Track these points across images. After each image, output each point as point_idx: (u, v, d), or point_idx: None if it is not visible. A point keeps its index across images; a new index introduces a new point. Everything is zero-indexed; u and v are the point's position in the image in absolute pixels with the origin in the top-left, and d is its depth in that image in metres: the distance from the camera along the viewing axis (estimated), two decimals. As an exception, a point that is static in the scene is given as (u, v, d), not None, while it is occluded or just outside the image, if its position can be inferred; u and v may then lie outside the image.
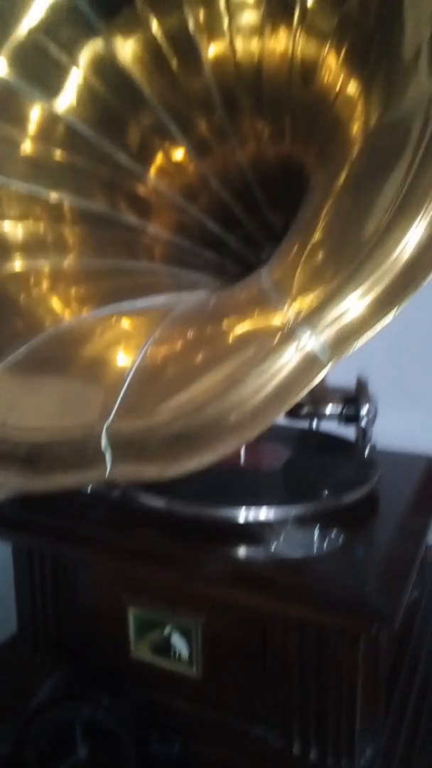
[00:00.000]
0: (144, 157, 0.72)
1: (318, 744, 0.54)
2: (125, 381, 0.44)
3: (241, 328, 0.43)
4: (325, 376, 0.77)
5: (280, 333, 0.38)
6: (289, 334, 0.38)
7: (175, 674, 0.59)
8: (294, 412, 0.74)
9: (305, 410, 0.74)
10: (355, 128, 0.45)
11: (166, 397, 0.41)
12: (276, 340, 0.38)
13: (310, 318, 0.37)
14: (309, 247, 0.42)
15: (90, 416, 0.43)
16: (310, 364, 0.37)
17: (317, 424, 0.79)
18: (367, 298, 0.37)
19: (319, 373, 0.37)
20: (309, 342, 0.37)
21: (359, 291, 0.37)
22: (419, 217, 0.35)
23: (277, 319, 0.39)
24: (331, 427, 0.76)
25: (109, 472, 0.40)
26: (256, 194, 0.75)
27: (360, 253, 0.37)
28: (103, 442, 0.41)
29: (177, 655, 0.59)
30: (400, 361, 0.91)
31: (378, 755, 0.54)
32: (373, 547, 0.60)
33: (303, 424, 0.76)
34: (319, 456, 0.76)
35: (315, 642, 0.53)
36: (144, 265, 0.72)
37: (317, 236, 0.42)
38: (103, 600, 0.63)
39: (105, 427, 0.41)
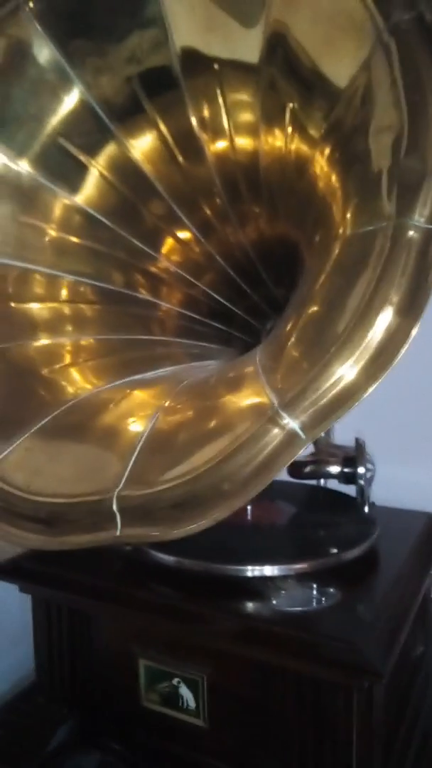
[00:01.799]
0: (155, 239, 0.79)
1: (317, 794, 0.57)
2: (135, 451, 0.50)
3: (235, 405, 0.48)
4: (332, 435, 0.82)
5: (266, 414, 0.44)
6: (273, 415, 0.43)
7: (183, 723, 0.63)
8: (298, 472, 0.79)
9: (308, 469, 0.78)
10: (338, 230, 0.51)
11: (168, 466, 0.47)
12: (262, 420, 0.44)
13: (291, 403, 0.43)
14: (292, 338, 0.48)
15: (104, 482, 0.49)
16: (292, 440, 0.42)
17: (325, 483, 0.84)
18: (342, 383, 0.43)
19: (300, 448, 0.42)
20: (290, 422, 0.42)
21: (332, 379, 0.43)
22: (378, 316, 0.42)
23: (264, 401, 0.45)
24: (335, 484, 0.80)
25: (119, 534, 0.46)
26: (259, 269, 0.82)
27: (333, 346, 0.43)
28: (114, 506, 0.46)
29: (185, 705, 0.62)
30: (404, 417, 0.95)
31: (375, 806, 0.57)
32: (370, 602, 0.64)
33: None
34: (322, 513, 0.80)
35: (312, 694, 0.56)
36: (157, 338, 0.79)
37: (300, 327, 0.48)
38: (116, 651, 0.67)
39: (116, 493, 0.47)
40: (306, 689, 0.57)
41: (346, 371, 0.43)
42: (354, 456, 0.76)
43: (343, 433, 0.79)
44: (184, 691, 0.63)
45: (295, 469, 0.78)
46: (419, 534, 0.77)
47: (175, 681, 0.63)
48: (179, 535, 0.44)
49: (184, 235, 0.80)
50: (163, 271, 0.82)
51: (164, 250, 0.81)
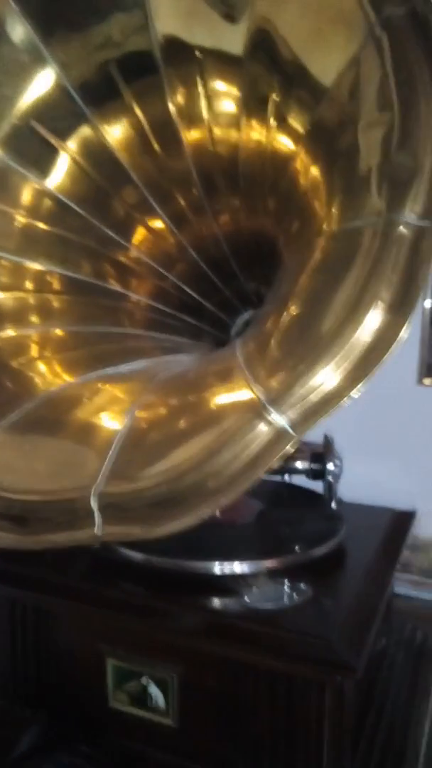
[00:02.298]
0: (126, 229, 0.77)
1: (288, 790, 0.57)
2: (113, 446, 0.48)
3: (219, 400, 0.47)
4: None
5: (253, 409, 0.43)
6: (261, 410, 0.43)
7: (152, 723, 0.61)
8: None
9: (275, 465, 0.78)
10: (322, 225, 0.51)
11: (150, 462, 0.46)
12: (249, 416, 0.43)
13: (278, 399, 0.42)
14: (275, 335, 0.47)
15: (81, 479, 0.47)
16: (280, 437, 0.42)
17: (289, 478, 0.84)
18: (331, 380, 0.43)
19: (288, 444, 0.42)
20: (278, 418, 0.42)
21: (320, 376, 0.42)
22: (368, 314, 0.41)
23: (251, 396, 0.44)
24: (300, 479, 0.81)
25: (99, 533, 0.44)
26: (232, 264, 0.81)
27: (320, 343, 0.42)
28: (93, 504, 0.45)
29: (154, 704, 0.61)
30: (370, 413, 0.97)
31: (345, 800, 0.57)
32: (340, 598, 0.64)
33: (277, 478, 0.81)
34: (290, 509, 0.80)
35: (284, 691, 0.56)
36: (127, 330, 0.77)
37: (286, 322, 0.48)
38: (82, 650, 0.65)
39: (95, 491, 0.45)
40: (278, 686, 0.57)
41: (332, 369, 0.43)
42: (322, 452, 0.76)
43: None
44: (153, 690, 0.61)
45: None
46: (385, 530, 0.78)
47: (143, 680, 0.62)
48: (162, 534, 0.43)
49: (156, 224, 0.78)
50: (133, 262, 0.80)
51: (135, 240, 0.79)
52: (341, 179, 0.51)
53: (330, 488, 0.75)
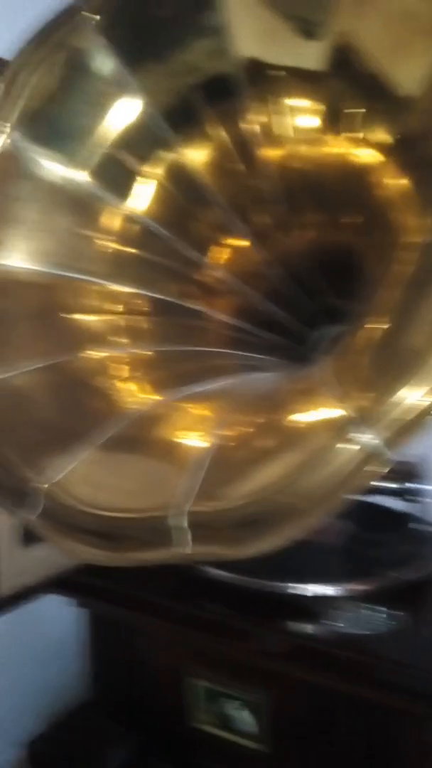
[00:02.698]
0: (210, 249, 0.78)
1: None
2: (203, 465, 0.48)
3: (307, 418, 0.47)
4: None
5: (343, 427, 0.42)
6: (351, 428, 0.41)
7: (240, 748, 0.60)
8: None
9: (365, 485, 0.76)
10: (412, 238, 0.49)
11: (236, 482, 0.45)
12: (339, 434, 0.42)
13: (370, 416, 0.41)
14: (369, 348, 0.46)
15: (169, 497, 0.47)
16: (371, 456, 0.40)
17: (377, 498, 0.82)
18: (423, 397, 0.41)
19: (381, 466, 0.40)
20: (369, 437, 0.40)
21: (413, 393, 0.41)
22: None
23: (342, 414, 0.43)
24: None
25: (188, 552, 0.44)
26: (317, 279, 0.80)
27: (411, 360, 0.41)
28: (183, 523, 0.45)
29: (243, 728, 0.60)
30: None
31: None
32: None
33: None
34: (378, 531, 0.77)
35: (381, 723, 0.54)
36: (212, 349, 0.78)
37: (375, 339, 0.46)
38: (168, 669, 0.66)
39: (186, 509, 0.45)
40: (375, 718, 0.54)
41: (425, 385, 0.41)
42: (413, 472, 0.73)
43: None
44: (242, 714, 0.61)
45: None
46: None
47: (232, 703, 0.61)
48: (251, 554, 0.43)
49: (240, 243, 0.79)
50: (217, 281, 0.81)
51: (220, 259, 0.80)
52: (429, 189, 0.49)
53: (423, 509, 0.72)
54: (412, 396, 0.41)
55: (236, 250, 0.80)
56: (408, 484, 0.73)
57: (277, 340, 0.83)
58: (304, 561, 0.69)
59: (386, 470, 0.40)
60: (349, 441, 0.41)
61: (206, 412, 0.60)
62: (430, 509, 0.72)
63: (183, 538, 0.45)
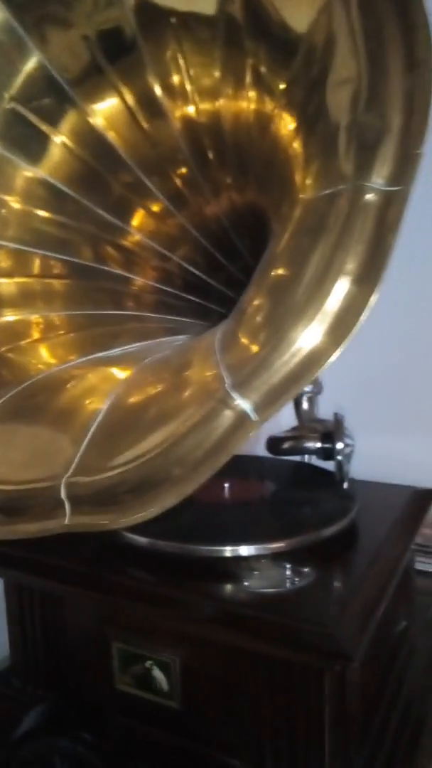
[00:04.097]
0: (125, 211, 0.76)
1: (290, 777, 0.56)
2: (87, 435, 0.48)
3: (192, 385, 0.46)
4: (317, 409, 0.80)
5: (217, 394, 0.41)
6: (224, 395, 0.41)
7: (156, 705, 0.62)
8: (276, 449, 0.77)
9: (286, 445, 0.76)
10: (299, 194, 0.48)
11: (120, 451, 0.45)
12: (213, 401, 0.41)
13: (243, 381, 0.40)
14: (250, 309, 0.45)
15: (54, 467, 0.47)
16: (243, 423, 0.40)
17: (309, 459, 0.82)
18: (296, 359, 0.40)
19: (251, 431, 0.40)
20: (241, 403, 0.40)
21: (288, 352, 0.40)
22: (334, 286, 0.39)
23: (217, 380, 0.42)
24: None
25: (67, 522, 0.44)
26: (234, 240, 0.79)
27: (289, 318, 0.40)
28: (63, 494, 0.44)
29: (158, 687, 0.61)
30: (391, 389, 0.93)
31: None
32: (347, 582, 0.62)
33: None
34: (301, 490, 0.78)
35: (283, 678, 0.55)
36: (130, 313, 0.76)
37: (258, 298, 0.45)
38: (89, 634, 0.66)
39: (65, 481, 0.45)
40: (277, 672, 0.55)
41: (302, 343, 0.41)
42: (332, 431, 0.74)
43: (331, 406, 0.77)
44: (157, 674, 0.62)
45: (274, 445, 0.76)
46: (402, 508, 0.75)
47: (147, 664, 0.62)
48: (129, 524, 0.42)
49: (155, 206, 0.77)
50: (135, 245, 0.79)
51: (136, 222, 0.78)
52: (318, 144, 0.47)
53: (340, 468, 0.72)
54: (288, 353, 0.40)
55: (154, 214, 0.78)
56: (327, 443, 0.73)
57: (199, 303, 0.82)
58: (224, 522, 0.69)
59: (255, 433, 0.40)
60: (222, 407, 0.41)
61: (105, 378, 0.59)
62: (348, 467, 0.73)
63: (63, 509, 0.44)
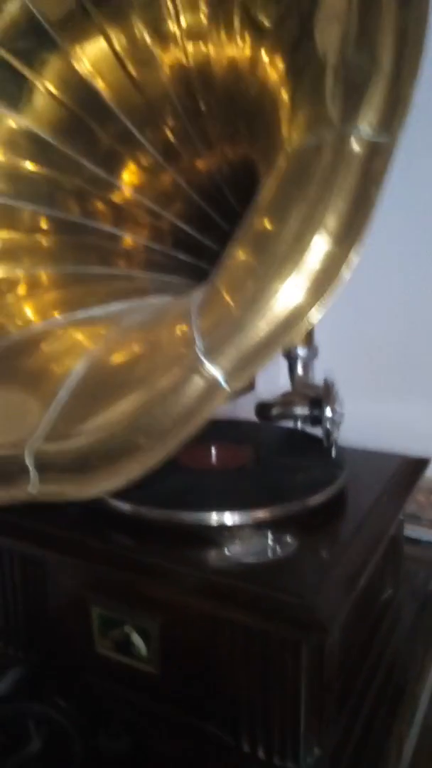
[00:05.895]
0: (114, 164, 0.73)
1: (265, 744, 0.56)
2: (55, 400, 0.46)
3: (160, 350, 0.44)
4: (311, 374, 0.78)
5: (187, 361, 0.39)
6: (195, 361, 0.38)
7: (135, 670, 0.61)
8: (265, 414, 0.75)
9: (275, 411, 0.74)
10: (286, 143, 0.45)
11: (85, 418, 0.43)
12: (184, 368, 0.39)
13: (215, 347, 0.38)
14: (230, 263, 0.42)
15: (22, 433, 0.45)
16: (213, 390, 0.38)
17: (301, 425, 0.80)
18: (270, 323, 0.38)
19: (222, 399, 0.38)
20: (212, 371, 0.38)
21: (263, 316, 0.38)
22: (312, 244, 0.36)
23: (188, 346, 0.40)
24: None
25: (33, 492, 0.42)
26: (229, 197, 0.75)
27: (268, 274, 0.37)
28: (29, 462, 0.43)
29: (136, 652, 0.61)
30: (387, 355, 0.90)
31: (325, 757, 0.55)
32: (331, 552, 0.60)
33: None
34: (289, 457, 0.76)
35: (260, 647, 0.54)
36: (120, 271, 0.73)
37: (239, 253, 0.43)
38: (69, 597, 0.66)
39: (31, 448, 0.43)
40: (255, 641, 0.55)
41: (281, 301, 0.38)
42: (327, 396, 0.71)
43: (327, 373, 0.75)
44: (135, 639, 0.61)
45: (262, 410, 0.74)
46: (391, 476, 0.73)
47: (126, 628, 0.61)
48: (94, 494, 0.41)
49: (145, 159, 0.73)
50: (126, 201, 0.76)
51: (126, 177, 0.74)
52: (302, 90, 0.44)
53: (328, 435, 0.70)
54: (256, 330, 0.38)
55: (144, 168, 0.74)
56: (315, 410, 0.71)
57: (190, 262, 0.79)
58: (210, 488, 0.68)
59: (225, 403, 0.38)
60: (192, 375, 0.39)
61: (83, 339, 0.56)
62: (337, 434, 0.71)
63: (31, 477, 0.43)
